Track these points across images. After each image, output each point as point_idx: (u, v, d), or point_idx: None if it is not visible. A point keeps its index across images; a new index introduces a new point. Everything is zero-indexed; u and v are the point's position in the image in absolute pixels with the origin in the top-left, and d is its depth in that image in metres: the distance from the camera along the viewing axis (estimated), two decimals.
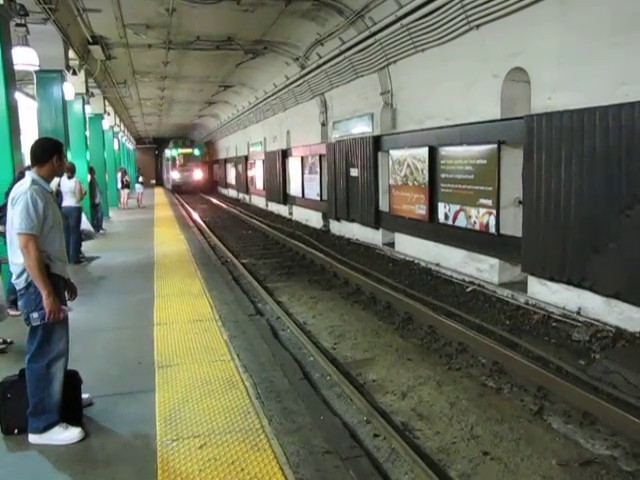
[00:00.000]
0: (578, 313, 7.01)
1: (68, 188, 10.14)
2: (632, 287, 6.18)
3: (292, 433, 3.80)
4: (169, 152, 41.95)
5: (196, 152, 41.59)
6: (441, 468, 4.07)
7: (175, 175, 40.51)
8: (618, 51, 6.25)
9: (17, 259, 3.63)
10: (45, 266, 3.61)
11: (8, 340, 5.52)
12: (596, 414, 4.70)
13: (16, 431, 3.77)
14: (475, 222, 9.09)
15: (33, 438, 3.68)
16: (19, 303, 3.84)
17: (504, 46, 8.21)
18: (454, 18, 8.84)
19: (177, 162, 40.49)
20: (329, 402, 5.00)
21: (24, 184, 3.68)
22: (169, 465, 3.37)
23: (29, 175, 3.77)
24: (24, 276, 3.63)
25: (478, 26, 8.58)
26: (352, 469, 3.50)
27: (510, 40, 8.06)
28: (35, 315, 3.61)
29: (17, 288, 3.74)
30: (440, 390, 5.38)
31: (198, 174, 41.00)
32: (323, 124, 16.64)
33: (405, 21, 9.88)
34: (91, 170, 14.26)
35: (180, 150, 40.86)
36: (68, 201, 10.13)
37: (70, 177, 10.18)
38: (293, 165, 20.33)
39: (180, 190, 39.18)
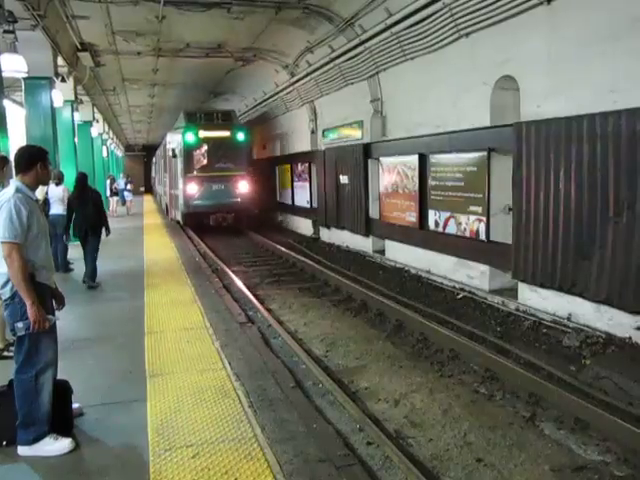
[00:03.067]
0: (568, 319, 7.05)
1: (56, 196, 10.06)
2: (622, 293, 6.22)
3: (285, 442, 3.77)
4: (175, 140, 19.10)
5: (239, 137, 18.20)
6: (435, 475, 4.06)
7: (192, 190, 17.66)
8: (606, 59, 6.33)
9: (1, 268, 3.57)
10: (30, 275, 3.56)
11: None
12: (588, 420, 4.72)
13: (5, 443, 3.71)
14: (465, 229, 9.13)
15: (22, 450, 3.63)
16: (4, 313, 3.79)
17: (493, 54, 8.28)
18: (444, 26, 8.91)
19: (197, 160, 17.96)
20: (322, 410, 4.97)
21: (8, 192, 3.64)
22: (162, 475, 3.33)
23: (13, 183, 3.74)
24: (9, 286, 3.58)
25: (467, 34, 8.66)
26: (346, 477, 3.49)
27: (499, 48, 8.13)
28: (20, 325, 3.55)
29: (2, 298, 3.69)
30: (432, 397, 5.38)
31: (243, 187, 18.13)
32: (313, 132, 16.67)
33: (395, 29, 9.95)
34: None
35: (205, 133, 17.91)
36: (56, 209, 10.03)
37: (58, 184, 10.11)
38: (283, 172, 20.34)
39: (203, 223, 17.85)
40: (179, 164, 18.26)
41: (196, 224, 17.85)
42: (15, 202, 3.53)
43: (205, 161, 17.91)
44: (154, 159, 36.45)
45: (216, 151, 17.84)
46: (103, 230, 9.10)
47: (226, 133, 18.05)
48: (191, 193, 17.57)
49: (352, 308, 8.70)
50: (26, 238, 3.56)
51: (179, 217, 18.70)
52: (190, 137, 17.68)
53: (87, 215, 8.88)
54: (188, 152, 17.75)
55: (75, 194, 9.18)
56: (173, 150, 18.99)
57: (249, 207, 18.52)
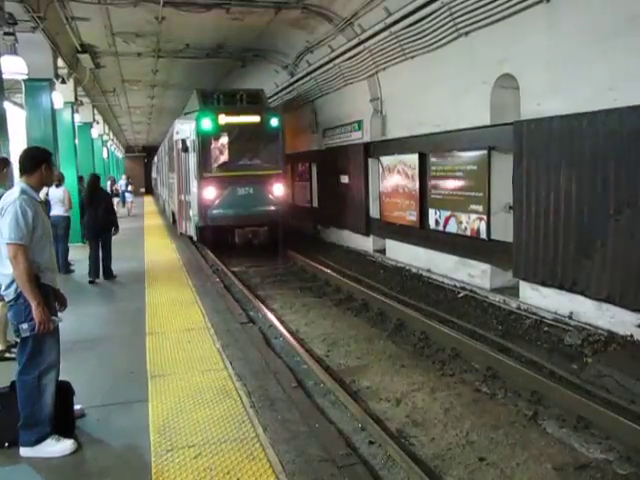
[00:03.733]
0: (570, 317, 7.04)
1: (56, 197, 10.08)
2: (623, 290, 6.22)
3: (287, 441, 3.78)
4: (187, 128, 13.83)
5: (273, 124, 13.48)
6: (437, 474, 4.06)
7: (210, 195, 13.05)
8: (605, 57, 6.31)
9: (6, 270, 3.58)
10: (35, 276, 3.57)
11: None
12: (590, 418, 4.72)
13: (7, 444, 3.71)
14: (466, 228, 9.12)
15: (24, 451, 3.63)
16: (9, 314, 3.79)
17: (493, 53, 8.27)
18: (443, 25, 8.90)
19: (216, 155, 13.55)
20: (324, 410, 4.97)
21: (13, 194, 3.65)
22: (164, 476, 3.33)
23: (18, 185, 3.75)
24: (13, 287, 3.59)
25: (467, 33, 8.66)
26: (348, 477, 3.49)
27: (499, 47, 8.12)
28: (25, 326, 3.56)
29: (7, 299, 3.70)
30: (434, 396, 5.37)
31: (279, 191, 13.52)
32: (313, 131, 16.68)
33: (394, 29, 9.94)
34: (80, 179, 14.18)
35: (228, 118, 13.23)
36: (57, 210, 10.06)
37: (58, 186, 10.12)
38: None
39: (226, 240, 13.58)
40: (192, 160, 13.49)
41: (215, 241, 13.64)
42: (21, 204, 3.55)
43: (227, 156, 13.43)
44: (155, 157, 32.68)
45: (242, 142, 13.37)
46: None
47: (255, 118, 13.37)
48: (209, 199, 12.95)
49: (353, 308, 8.70)
50: (31, 240, 3.58)
51: (192, 231, 13.99)
52: (207, 124, 13.00)
53: (99, 216, 9.47)
54: (204, 144, 13.11)
55: (88, 195, 9.74)
56: (183, 142, 13.72)
57: (287, 218, 14.14)
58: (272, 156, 13.58)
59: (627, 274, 6.16)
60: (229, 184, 13.02)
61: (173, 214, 17.92)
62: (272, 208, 13.25)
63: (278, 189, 13.38)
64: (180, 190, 15.36)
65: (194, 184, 13.39)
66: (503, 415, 4.96)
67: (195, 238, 14.01)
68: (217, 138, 13.34)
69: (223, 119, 13.09)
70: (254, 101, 14.19)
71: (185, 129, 13.92)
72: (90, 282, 9.30)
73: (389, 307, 8.23)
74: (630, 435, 4.34)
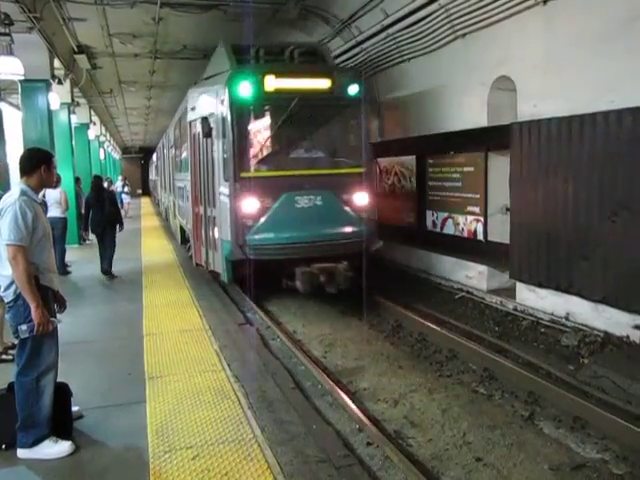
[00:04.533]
0: (566, 318, 7.07)
1: (53, 198, 10.07)
2: (619, 292, 6.25)
3: (285, 443, 3.78)
4: (209, 102, 8.27)
5: (351, 92, 7.98)
6: (434, 475, 4.07)
7: (250, 207, 7.72)
8: (603, 59, 6.34)
9: (5, 271, 3.58)
10: (34, 278, 3.57)
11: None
12: (586, 418, 4.75)
13: (4, 446, 3.70)
14: (463, 229, 9.15)
15: (22, 453, 3.62)
16: (7, 316, 3.79)
17: (490, 55, 8.29)
18: (440, 27, 8.92)
19: (259, 143, 8.09)
20: (321, 411, 4.98)
21: (13, 195, 3.65)
22: (162, 477, 3.33)
23: (17, 186, 3.75)
24: (12, 288, 3.59)
25: (464, 35, 8.67)
26: (346, 477, 3.50)
27: (496, 49, 8.14)
28: (24, 327, 3.56)
29: (5, 300, 3.70)
30: (431, 397, 5.39)
31: (362, 200, 8.16)
32: None
33: (391, 30, 9.94)
34: (77, 180, 14.17)
35: (279, 82, 7.75)
36: (53, 211, 10.04)
37: (55, 187, 10.08)
38: None
39: (277, 279, 8.41)
40: (220, 151, 8.17)
41: (259, 282, 8.45)
42: (21, 205, 3.55)
43: (279, 144, 8.41)
44: (154, 155, 28.23)
45: (303, 122, 8.32)
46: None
47: (323, 83, 8.15)
48: (249, 215, 7.90)
49: (350, 309, 8.69)
50: (31, 241, 3.58)
51: (219, 266, 8.55)
52: (246, 90, 7.82)
53: (105, 213, 10.04)
54: (241, 124, 8.07)
55: (93, 195, 10.25)
56: (205, 122, 8.24)
57: (374, 242, 8.61)
58: (351, 145, 8.67)
59: (623, 275, 6.19)
60: (282, 190, 7.91)
61: (183, 231, 12.79)
62: (354, 229, 8.19)
63: (361, 198, 8.32)
64: (197, 199, 9.41)
65: (224, 189, 8.15)
66: (500, 416, 4.97)
67: (225, 278, 8.46)
68: (262, 114, 8.39)
69: (272, 82, 7.88)
70: (315, 60, 9.06)
71: (208, 102, 8.57)
72: (110, 277, 9.96)
73: (386, 308, 8.23)
74: (626, 435, 4.36)
